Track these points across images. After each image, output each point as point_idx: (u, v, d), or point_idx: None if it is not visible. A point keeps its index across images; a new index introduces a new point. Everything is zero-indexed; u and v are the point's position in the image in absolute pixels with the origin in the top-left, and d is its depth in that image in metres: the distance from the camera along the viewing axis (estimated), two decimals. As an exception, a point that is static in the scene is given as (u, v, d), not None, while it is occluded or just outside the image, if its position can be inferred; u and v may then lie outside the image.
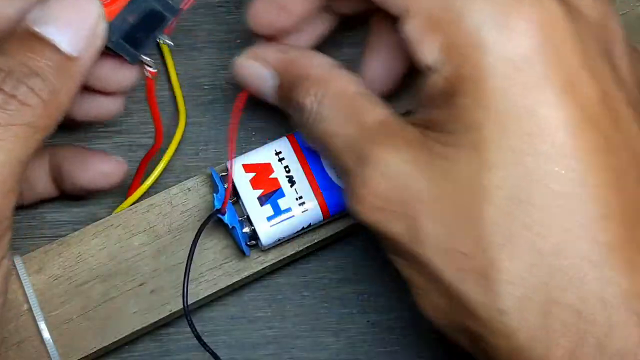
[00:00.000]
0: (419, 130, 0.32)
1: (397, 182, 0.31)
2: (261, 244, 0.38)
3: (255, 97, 0.38)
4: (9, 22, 0.33)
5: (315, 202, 0.38)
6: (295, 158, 0.38)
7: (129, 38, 0.35)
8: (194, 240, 0.37)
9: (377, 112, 0.33)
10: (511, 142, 0.29)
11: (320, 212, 0.38)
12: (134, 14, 0.34)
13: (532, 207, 0.29)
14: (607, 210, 0.29)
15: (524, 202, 0.29)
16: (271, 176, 0.38)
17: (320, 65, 0.35)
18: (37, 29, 0.31)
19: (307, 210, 0.38)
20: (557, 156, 0.29)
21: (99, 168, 0.38)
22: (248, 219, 0.38)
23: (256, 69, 0.37)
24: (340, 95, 0.33)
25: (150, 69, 0.36)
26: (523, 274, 0.29)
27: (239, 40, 0.43)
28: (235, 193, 0.38)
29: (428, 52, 0.31)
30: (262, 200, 0.38)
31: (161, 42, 0.36)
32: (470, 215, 0.30)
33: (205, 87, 0.43)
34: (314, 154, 0.38)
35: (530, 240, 0.29)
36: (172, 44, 0.36)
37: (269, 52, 0.37)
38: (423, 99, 0.32)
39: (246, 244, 0.38)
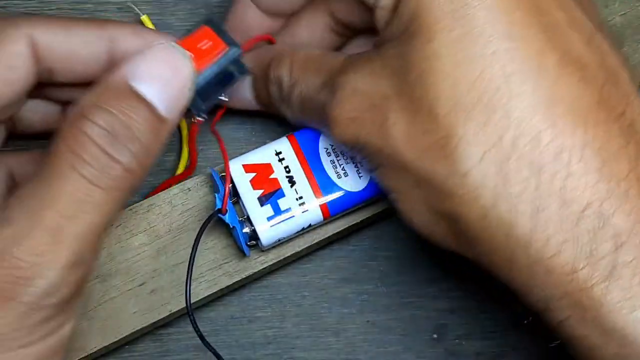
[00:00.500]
0: (374, 49, 0.33)
1: (364, 92, 0.32)
2: (261, 244, 0.38)
3: (230, 105, 0.39)
4: (67, 58, 0.34)
5: (316, 203, 0.38)
6: (295, 158, 0.38)
7: (199, 93, 0.35)
8: (195, 240, 0.37)
9: (340, 57, 0.35)
10: (445, 16, 0.30)
11: (321, 213, 0.38)
12: (212, 73, 0.35)
13: (472, 64, 0.30)
14: (542, 58, 0.30)
15: (462, 61, 0.30)
16: (271, 176, 0.38)
17: (283, 47, 0.37)
18: (136, 87, 0.31)
19: (307, 210, 0.38)
20: (488, 17, 0.30)
21: None
22: (248, 219, 0.38)
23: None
24: (307, 58, 0.36)
25: (199, 118, 0.37)
26: (477, 133, 0.30)
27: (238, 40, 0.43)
28: (235, 193, 0.38)
29: None
30: (262, 200, 0.38)
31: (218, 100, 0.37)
32: (424, 94, 0.31)
33: (206, 87, 0.43)
34: (314, 154, 0.38)
35: (477, 98, 0.30)
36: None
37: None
38: (382, 34, 0.33)
39: (246, 244, 0.38)
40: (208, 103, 0.36)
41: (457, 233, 0.32)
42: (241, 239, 0.38)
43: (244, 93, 0.39)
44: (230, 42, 0.35)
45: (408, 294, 0.42)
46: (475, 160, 0.30)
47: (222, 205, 0.37)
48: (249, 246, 0.38)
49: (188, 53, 0.33)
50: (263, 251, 0.39)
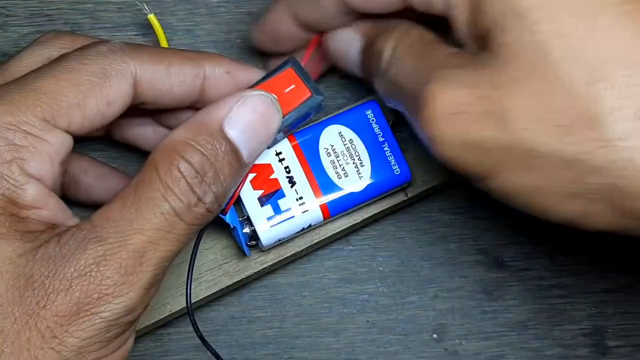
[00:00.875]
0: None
1: (469, 85, 0.31)
2: (261, 244, 0.38)
3: (339, 64, 0.39)
4: (161, 92, 0.35)
5: (316, 203, 0.38)
6: (296, 158, 0.38)
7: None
8: (196, 240, 0.37)
9: (445, 49, 0.33)
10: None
11: (321, 213, 0.38)
12: (291, 118, 0.37)
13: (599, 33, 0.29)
14: None
15: (589, 36, 0.29)
16: (271, 177, 0.38)
17: (400, 22, 0.36)
18: (228, 132, 0.33)
19: (307, 210, 0.38)
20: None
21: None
22: (248, 219, 0.38)
23: (343, 33, 0.38)
24: (414, 40, 0.34)
25: None
26: (622, 96, 0.29)
27: (239, 40, 0.43)
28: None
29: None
30: (263, 200, 0.38)
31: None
32: (553, 72, 0.29)
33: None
34: (314, 154, 0.38)
35: (613, 62, 0.29)
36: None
37: (358, 24, 0.38)
38: (462, 37, 0.33)
39: (246, 245, 0.38)
40: (277, 138, 0.37)
41: (619, 208, 0.30)
42: (241, 239, 0.38)
43: (353, 56, 0.38)
44: (313, 88, 0.37)
45: (408, 294, 0.42)
46: (629, 123, 0.28)
47: (227, 205, 0.37)
48: (249, 246, 0.38)
49: (277, 106, 0.35)
50: (263, 251, 0.39)
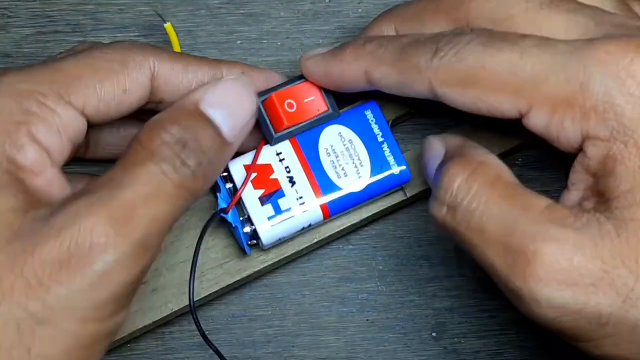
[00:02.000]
0: (578, 205, 0.32)
1: (590, 255, 0.30)
2: (262, 243, 0.38)
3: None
4: (179, 90, 0.36)
5: (316, 203, 0.38)
6: (296, 158, 0.38)
7: (285, 134, 0.38)
8: (199, 239, 0.37)
9: (540, 200, 0.32)
10: None
11: (321, 212, 0.38)
12: (304, 126, 0.38)
13: None
14: None
15: None
16: (272, 176, 0.38)
17: (474, 147, 0.35)
18: (207, 112, 0.33)
19: (307, 210, 0.38)
20: None
21: None
22: (249, 218, 0.38)
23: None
24: (496, 179, 0.33)
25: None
26: None
27: (240, 42, 0.43)
28: (235, 192, 0.38)
29: (567, 134, 0.32)
30: (263, 200, 0.38)
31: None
32: None
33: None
34: (314, 154, 0.38)
35: None
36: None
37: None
38: (576, 176, 0.33)
39: (247, 244, 0.38)
40: (285, 138, 0.38)
41: None
42: (242, 238, 0.38)
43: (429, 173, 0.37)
44: (331, 104, 0.38)
45: (407, 293, 0.42)
46: None
47: (229, 205, 0.37)
48: (250, 245, 0.39)
49: (253, 88, 0.35)
50: (263, 250, 0.39)
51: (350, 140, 0.39)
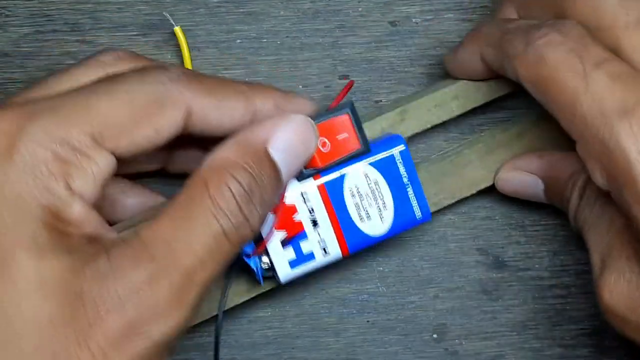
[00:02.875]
0: None
1: None
2: (279, 281, 0.37)
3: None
4: (210, 125, 0.34)
5: (337, 246, 0.37)
6: (320, 200, 0.37)
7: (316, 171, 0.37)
8: (224, 288, 0.36)
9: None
10: None
11: (340, 253, 0.37)
12: (335, 163, 0.37)
13: None
14: None
15: None
16: (295, 218, 0.37)
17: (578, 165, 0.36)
18: (274, 156, 0.33)
19: (328, 254, 0.37)
20: None
21: None
22: (269, 258, 0.37)
23: (521, 179, 0.40)
24: (599, 194, 0.35)
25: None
26: None
27: (239, 41, 0.43)
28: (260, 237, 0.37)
29: (596, 176, 0.33)
30: (285, 242, 0.37)
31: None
32: None
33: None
34: (338, 196, 0.37)
35: None
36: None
37: (527, 162, 0.40)
38: None
39: (262, 277, 0.37)
40: (312, 174, 0.37)
41: None
42: (259, 273, 0.37)
43: (539, 193, 0.40)
44: (363, 142, 0.36)
45: (408, 294, 0.42)
46: None
47: (254, 252, 0.36)
48: (265, 277, 0.38)
49: (318, 133, 0.35)
50: None
51: (375, 181, 0.37)
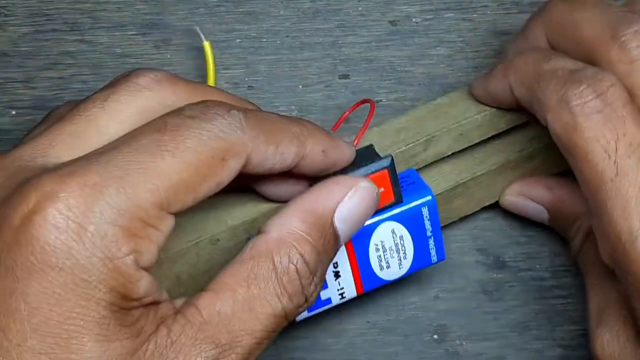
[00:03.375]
0: None
1: None
2: (294, 320, 0.37)
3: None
4: (261, 169, 0.32)
5: (354, 291, 0.37)
6: (346, 255, 0.37)
7: None
8: None
9: None
10: None
11: (356, 295, 0.38)
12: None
13: None
14: None
15: None
16: None
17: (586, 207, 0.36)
18: (337, 226, 0.32)
19: (345, 298, 0.38)
20: None
21: None
22: None
23: (527, 205, 0.41)
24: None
25: None
26: None
27: (239, 40, 0.43)
28: None
29: (603, 253, 0.34)
30: None
31: None
32: None
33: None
34: (363, 248, 0.37)
35: None
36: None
37: (534, 191, 0.40)
38: None
39: None
40: None
41: None
42: None
43: (544, 218, 0.41)
44: (397, 195, 0.36)
45: (408, 295, 0.42)
46: None
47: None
48: None
49: (379, 200, 0.34)
50: None
51: (401, 236, 0.37)
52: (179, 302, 0.30)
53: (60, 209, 0.27)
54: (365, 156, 0.35)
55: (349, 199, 0.32)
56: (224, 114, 0.30)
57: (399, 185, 0.36)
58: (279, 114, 0.33)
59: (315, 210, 0.32)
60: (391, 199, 0.36)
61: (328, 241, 0.31)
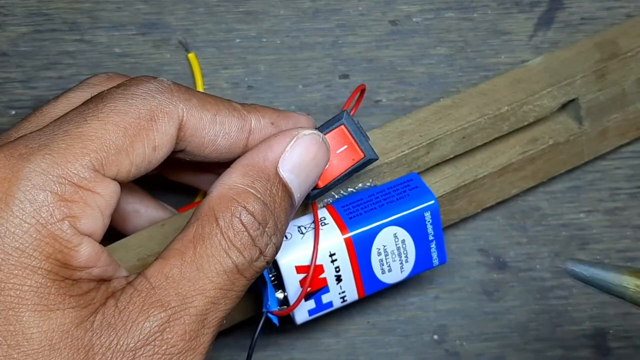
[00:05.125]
0: None
1: None
2: (295, 323, 0.37)
3: None
4: (204, 141, 0.32)
5: (356, 294, 0.37)
6: (348, 260, 0.37)
7: (323, 189, 0.35)
8: (251, 346, 0.35)
9: None
10: None
11: (357, 298, 0.37)
12: (342, 177, 0.34)
13: None
14: None
15: None
16: (320, 276, 0.36)
17: None
18: (285, 176, 0.31)
19: (346, 301, 0.37)
20: None
21: None
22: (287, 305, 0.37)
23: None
24: None
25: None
26: None
27: (239, 40, 0.43)
28: (279, 284, 0.36)
29: None
30: (308, 296, 0.37)
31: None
32: None
33: (205, 87, 0.43)
34: (365, 254, 0.37)
35: None
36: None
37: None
38: None
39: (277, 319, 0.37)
40: (322, 193, 0.35)
41: None
42: (276, 320, 0.37)
43: None
44: (366, 150, 0.34)
45: (408, 295, 0.42)
46: None
47: (280, 313, 0.36)
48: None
49: (329, 148, 0.33)
50: None
51: (403, 240, 0.37)
52: (133, 276, 0.30)
53: None
54: (331, 122, 0.34)
55: (290, 149, 0.31)
56: (150, 80, 0.31)
57: (366, 140, 0.34)
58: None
59: (255, 164, 0.31)
60: (359, 155, 0.34)
61: (276, 192, 0.31)
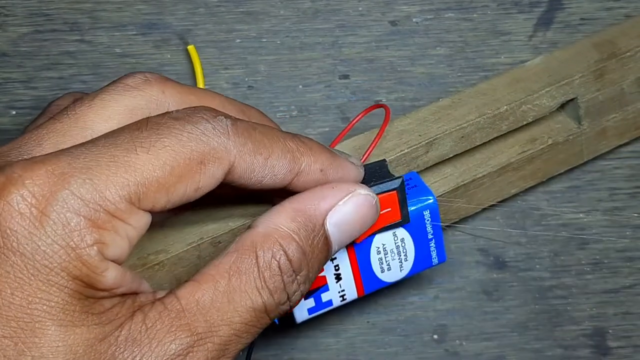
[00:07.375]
0: None
1: None
2: (295, 322, 0.38)
3: None
4: (249, 183, 0.31)
5: (355, 292, 0.37)
6: (347, 259, 0.37)
7: None
8: (249, 350, 0.36)
9: None
10: None
11: (356, 296, 0.38)
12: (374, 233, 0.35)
13: None
14: None
15: None
16: (320, 274, 0.37)
17: None
18: (329, 230, 0.31)
19: (346, 300, 0.38)
20: None
21: None
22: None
23: None
24: None
25: None
26: None
27: (239, 40, 0.43)
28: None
29: None
30: (307, 295, 0.37)
31: None
32: None
33: (206, 87, 0.43)
34: (365, 252, 0.37)
35: None
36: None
37: None
38: None
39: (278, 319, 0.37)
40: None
41: None
42: (275, 319, 0.37)
43: None
44: (404, 216, 0.35)
45: (408, 295, 0.42)
46: None
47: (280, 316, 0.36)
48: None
49: (379, 209, 0.33)
50: None
51: (402, 239, 0.37)
52: (161, 292, 0.30)
53: (24, 195, 0.27)
54: (376, 173, 0.35)
55: (343, 204, 0.32)
56: (209, 118, 0.30)
57: (407, 206, 0.36)
58: (279, 129, 0.32)
59: (305, 211, 0.31)
60: (397, 218, 0.36)
61: (317, 243, 0.31)
